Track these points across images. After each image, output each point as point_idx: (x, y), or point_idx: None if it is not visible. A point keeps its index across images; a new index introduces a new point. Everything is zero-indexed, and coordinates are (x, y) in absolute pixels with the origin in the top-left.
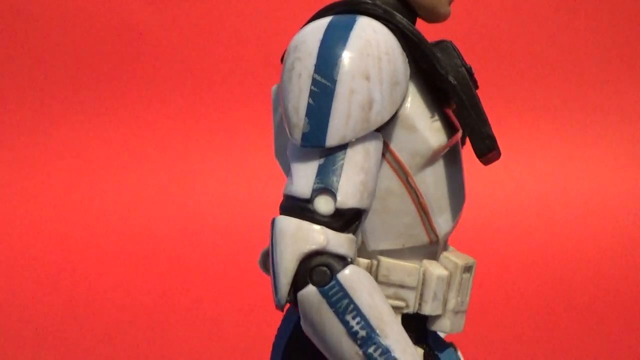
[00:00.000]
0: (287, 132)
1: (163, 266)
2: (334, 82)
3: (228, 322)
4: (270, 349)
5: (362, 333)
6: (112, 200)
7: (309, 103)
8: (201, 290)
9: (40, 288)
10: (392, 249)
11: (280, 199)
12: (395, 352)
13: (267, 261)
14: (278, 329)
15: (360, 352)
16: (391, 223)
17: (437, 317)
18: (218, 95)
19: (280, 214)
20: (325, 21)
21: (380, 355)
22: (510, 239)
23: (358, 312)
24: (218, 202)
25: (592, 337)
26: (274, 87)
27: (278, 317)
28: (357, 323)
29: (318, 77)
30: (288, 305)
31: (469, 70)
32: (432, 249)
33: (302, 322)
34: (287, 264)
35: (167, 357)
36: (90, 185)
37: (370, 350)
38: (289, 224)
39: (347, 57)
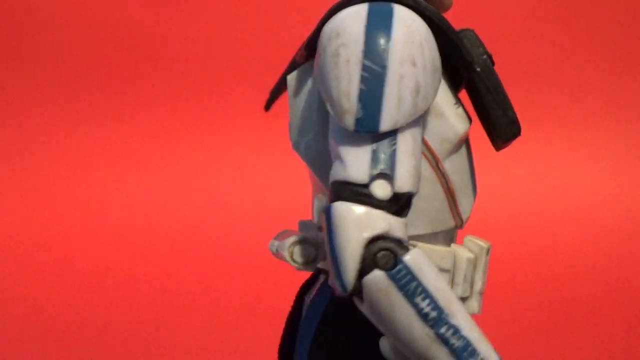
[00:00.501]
0: (336, 118)
1: (164, 265)
2: (384, 67)
3: (228, 321)
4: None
5: (433, 314)
6: (113, 199)
7: (360, 89)
8: (201, 290)
9: (40, 287)
10: (423, 234)
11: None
12: (464, 331)
13: (301, 248)
14: (288, 322)
15: (432, 333)
16: (423, 208)
17: (465, 299)
18: (220, 94)
19: (333, 200)
20: (362, 8)
21: (451, 335)
22: (510, 238)
23: (427, 294)
24: (219, 201)
25: (592, 337)
26: (291, 76)
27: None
28: (428, 305)
29: (368, 63)
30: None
31: (491, 58)
32: (455, 233)
33: (364, 308)
34: (353, 250)
35: (168, 354)
36: (91, 185)
37: (442, 330)
38: (350, 210)
39: (394, 43)
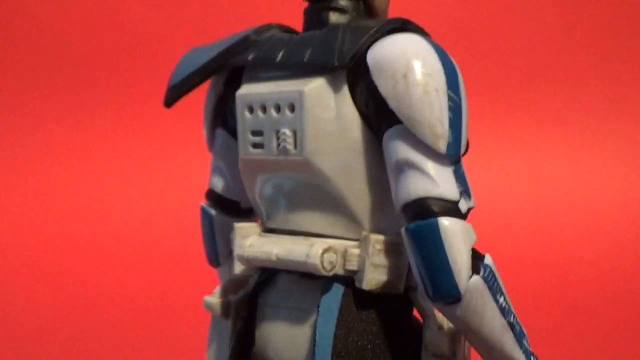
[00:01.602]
0: (427, 141)
1: (163, 264)
2: (460, 98)
3: None
4: None
5: (505, 306)
6: (112, 199)
7: (450, 117)
8: (201, 290)
9: (39, 287)
10: None
11: None
12: (516, 317)
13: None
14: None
15: (505, 322)
16: None
17: None
18: None
19: (432, 214)
20: (419, 38)
21: (514, 320)
22: (510, 238)
23: (501, 290)
24: None
25: (592, 337)
26: (310, 88)
27: None
28: (503, 299)
29: (451, 94)
30: None
31: None
32: None
33: (461, 310)
34: (466, 259)
35: (166, 354)
36: (90, 185)
37: (510, 318)
38: (456, 224)
39: (459, 75)
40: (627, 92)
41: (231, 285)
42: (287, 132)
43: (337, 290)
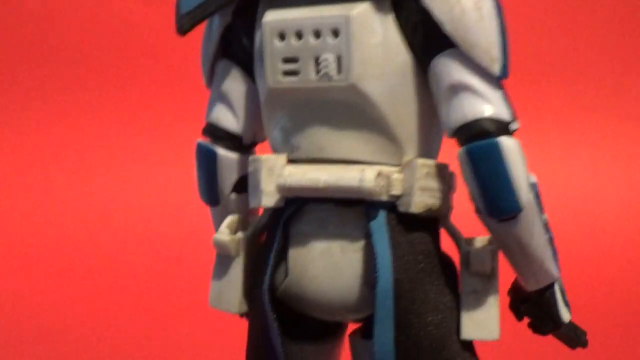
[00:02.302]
0: (483, 64)
1: (162, 265)
2: (504, 24)
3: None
4: None
5: (545, 221)
6: (112, 198)
7: (502, 41)
8: (201, 289)
9: (39, 287)
10: None
11: None
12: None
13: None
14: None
15: (547, 237)
16: None
17: None
18: None
19: (491, 133)
20: None
21: (551, 237)
22: None
23: (542, 206)
24: None
25: (592, 337)
26: (357, 13)
27: None
28: (544, 215)
29: (500, 19)
30: None
31: None
32: None
33: (517, 225)
34: (524, 176)
35: (165, 355)
36: (89, 185)
37: (550, 234)
38: (514, 142)
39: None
40: (627, 92)
41: (237, 223)
42: (331, 57)
43: (382, 215)
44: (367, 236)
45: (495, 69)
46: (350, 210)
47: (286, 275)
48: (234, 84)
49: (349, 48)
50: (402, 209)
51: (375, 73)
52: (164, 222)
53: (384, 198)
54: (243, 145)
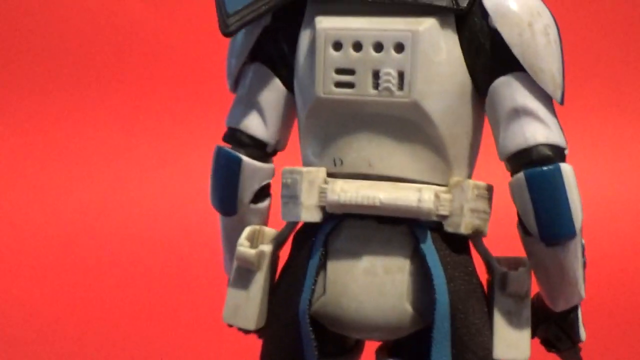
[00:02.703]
0: (549, 89)
1: (162, 264)
2: (562, 50)
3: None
4: None
5: (583, 246)
6: (111, 197)
7: (563, 67)
8: (200, 290)
9: (39, 287)
10: None
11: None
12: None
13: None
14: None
15: (583, 261)
16: None
17: None
18: (218, 94)
19: (553, 159)
20: None
21: (585, 260)
22: (510, 239)
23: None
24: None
25: (592, 337)
26: (425, 28)
27: None
28: (583, 242)
29: (561, 45)
30: None
31: None
32: None
33: (568, 249)
34: (579, 202)
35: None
36: (89, 185)
37: (585, 258)
38: (571, 169)
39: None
40: (627, 92)
41: (257, 235)
42: (393, 72)
43: (429, 235)
44: (413, 256)
45: (558, 95)
46: (393, 228)
47: (323, 293)
48: (266, 90)
49: (414, 64)
50: (449, 229)
51: (437, 91)
52: (164, 222)
53: (433, 218)
54: (266, 153)
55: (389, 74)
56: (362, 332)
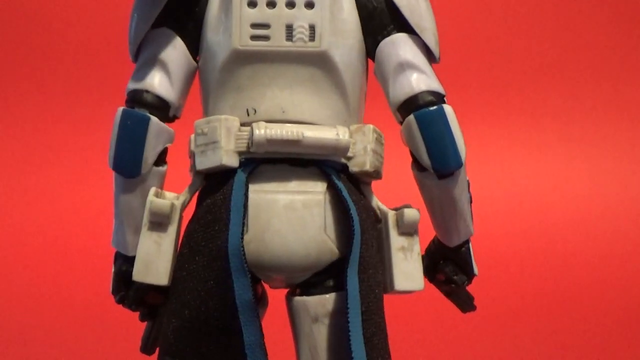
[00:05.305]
0: (431, 46)
1: None
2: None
3: None
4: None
5: (468, 182)
6: (111, 199)
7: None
8: None
9: (39, 287)
10: None
11: None
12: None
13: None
14: None
15: (469, 196)
16: None
17: None
18: None
19: (436, 102)
20: None
21: (471, 196)
22: (509, 239)
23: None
24: None
25: (591, 337)
26: None
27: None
28: (467, 178)
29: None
30: None
31: None
32: None
33: (456, 180)
34: (462, 136)
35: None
36: (88, 185)
37: (470, 194)
38: (452, 109)
39: None
40: (627, 92)
41: (161, 197)
42: (305, 25)
43: (336, 174)
44: (326, 192)
45: (437, 51)
46: (305, 170)
47: (246, 231)
48: (172, 51)
49: (323, 19)
50: (355, 169)
51: (342, 44)
52: None
53: (348, 154)
54: (167, 116)
55: (302, 26)
56: (283, 269)
